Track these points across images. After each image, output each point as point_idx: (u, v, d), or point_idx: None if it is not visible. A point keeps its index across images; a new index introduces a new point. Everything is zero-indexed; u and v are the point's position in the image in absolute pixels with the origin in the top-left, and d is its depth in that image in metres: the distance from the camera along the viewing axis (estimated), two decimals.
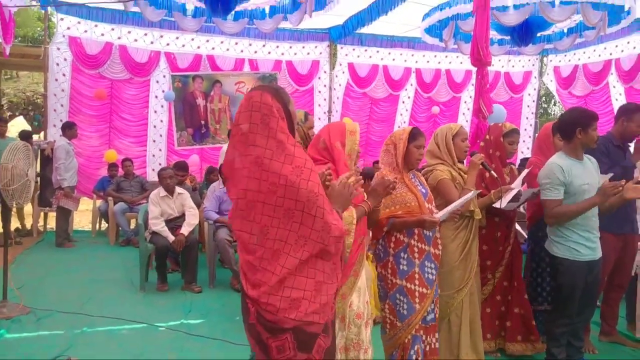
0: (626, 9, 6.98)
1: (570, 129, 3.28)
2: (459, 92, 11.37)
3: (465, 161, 3.64)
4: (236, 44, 9.74)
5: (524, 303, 3.83)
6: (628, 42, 9.45)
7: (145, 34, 9.21)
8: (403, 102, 11.09)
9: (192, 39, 9.46)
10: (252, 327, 1.88)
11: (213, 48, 9.65)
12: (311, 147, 2.62)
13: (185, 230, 5.54)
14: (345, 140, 2.57)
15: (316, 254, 1.83)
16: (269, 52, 10.00)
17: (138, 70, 9.24)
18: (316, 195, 1.79)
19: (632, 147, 4.07)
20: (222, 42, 9.65)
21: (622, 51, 9.62)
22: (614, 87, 9.94)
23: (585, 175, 3.25)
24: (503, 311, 3.84)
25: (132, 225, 8.10)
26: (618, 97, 9.82)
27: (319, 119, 10.26)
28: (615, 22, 7.37)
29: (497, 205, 3.45)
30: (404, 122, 11.03)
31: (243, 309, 1.94)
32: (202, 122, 8.51)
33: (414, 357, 2.92)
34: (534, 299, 3.99)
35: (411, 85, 11.06)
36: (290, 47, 10.15)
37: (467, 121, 11.08)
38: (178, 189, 5.83)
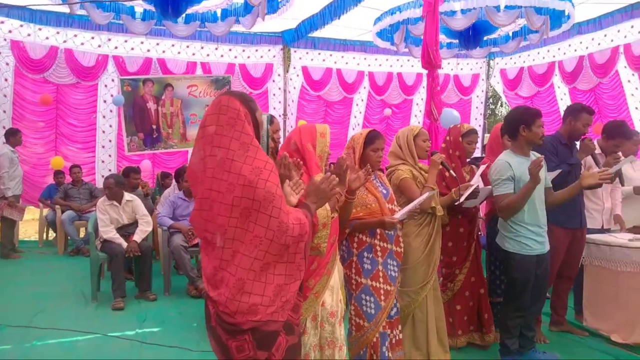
0: (566, 13, 7.34)
1: (514, 126, 3.40)
2: (410, 94, 11.58)
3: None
4: (188, 47, 9.62)
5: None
6: (569, 45, 9.89)
7: (92, 38, 8.99)
8: (357, 104, 11.22)
9: (142, 42, 9.28)
10: (213, 330, 1.89)
11: (164, 51, 9.50)
12: (283, 149, 2.64)
13: (137, 237, 5.38)
14: (315, 142, 2.62)
15: (275, 255, 1.83)
16: (222, 55, 9.93)
17: (85, 74, 9.00)
18: (273, 196, 1.80)
19: (578, 145, 4.24)
20: (173, 45, 9.52)
21: (565, 54, 10.05)
22: (559, 87, 10.36)
23: None
24: (472, 306, 3.90)
25: (82, 234, 7.85)
26: (563, 97, 10.24)
27: None
28: (557, 26, 7.74)
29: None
30: (358, 124, 11.16)
31: (205, 312, 1.94)
32: (154, 126, 8.24)
33: (387, 353, 2.96)
34: (493, 291, 4.08)
35: (364, 88, 11.20)
36: (244, 51, 10.10)
37: (419, 122, 11.32)
38: (127, 196, 5.61)
